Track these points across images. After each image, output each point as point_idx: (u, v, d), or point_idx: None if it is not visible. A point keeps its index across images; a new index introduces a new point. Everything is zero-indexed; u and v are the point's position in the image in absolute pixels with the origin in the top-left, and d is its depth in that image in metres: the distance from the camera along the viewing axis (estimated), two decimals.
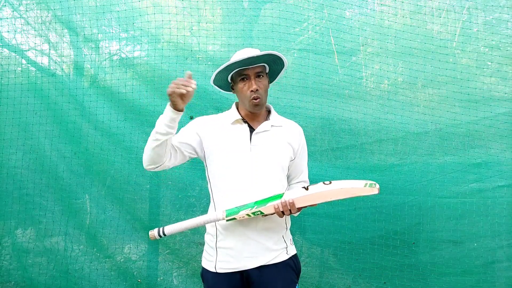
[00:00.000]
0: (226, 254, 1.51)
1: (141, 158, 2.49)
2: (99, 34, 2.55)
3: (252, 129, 1.55)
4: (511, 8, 2.23)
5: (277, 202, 1.42)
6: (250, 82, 1.52)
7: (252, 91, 1.50)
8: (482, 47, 2.28)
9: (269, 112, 1.64)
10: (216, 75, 1.55)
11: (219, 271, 1.52)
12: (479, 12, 2.23)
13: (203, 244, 1.63)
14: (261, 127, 1.55)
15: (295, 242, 1.68)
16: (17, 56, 2.56)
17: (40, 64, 2.57)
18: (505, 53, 2.23)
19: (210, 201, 1.62)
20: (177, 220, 2.45)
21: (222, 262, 1.52)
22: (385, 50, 2.32)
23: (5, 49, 2.57)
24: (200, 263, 1.62)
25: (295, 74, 2.38)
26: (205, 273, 1.57)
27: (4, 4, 2.57)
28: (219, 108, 2.34)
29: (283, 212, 1.42)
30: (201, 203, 2.45)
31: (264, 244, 1.50)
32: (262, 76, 1.55)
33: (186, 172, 2.46)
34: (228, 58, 1.58)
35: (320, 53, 2.37)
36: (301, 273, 1.63)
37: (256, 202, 1.43)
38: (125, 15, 2.43)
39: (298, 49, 2.43)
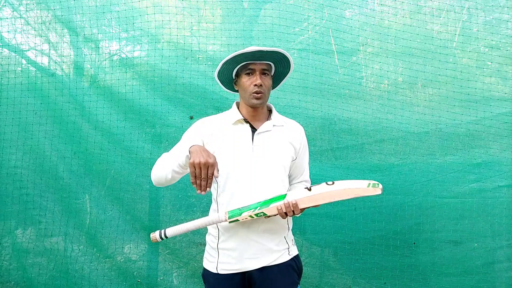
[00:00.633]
0: (227, 255, 1.51)
1: (141, 158, 2.49)
2: (99, 34, 2.54)
3: (253, 129, 1.55)
4: (511, 8, 2.23)
5: (280, 203, 1.41)
6: (255, 76, 1.52)
7: (256, 85, 1.50)
8: (482, 47, 2.29)
9: (270, 111, 1.64)
10: (222, 67, 1.54)
11: (220, 272, 1.51)
12: (479, 12, 2.23)
13: (203, 244, 1.62)
14: (263, 127, 1.55)
15: (295, 242, 1.68)
16: (17, 56, 2.56)
17: (40, 64, 2.57)
18: (505, 53, 2.23)
19: (211, 202, 1.61)
20: (177, 221, 2.46)
21: (223, 263, 1.51)
22: (385, 50, 2.32)
23: (5, 49, 2.57)
24: (200, 263, 1.62)
25: (295, 74, 2.37)
26: (206, 274, 1.57)
27: (4, 4, 2.56)
28: (219, 108, 2.34)
29: (286, 213, 1.42)
30: (201, 203, 2.45)
31: (266, 245, 1.50)
32: (267, 74, 1.55)
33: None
34: None
35: (320, 53, 2.37)
36: (302, 274, 1.63)
37: (259, 203, 1.43)
38: (125, 15, 2.43)
39: (298, 49, 2.43)
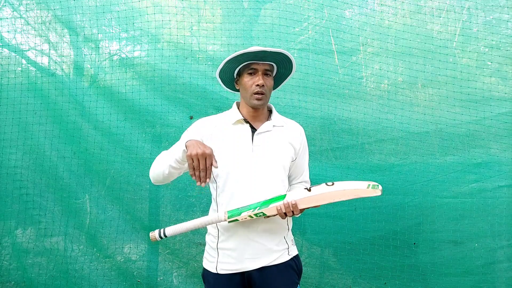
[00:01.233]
0: (227, 255, 1.51)
1: (141, 158, 2.48)
2: (99, 34, 2.54)
3: (253, 129, 1.55)
4: (511, 8, 2.23)
5: (279, 203, 1.41)
6: (257, 77, 1.52)
7: (258, 85, 1.50)
8: (482, 47, 2.29)
9: (270, 112, 1.64)
10: (224, 65, 1.54)
11: (220, 272, 1.51)
12: (479, 12, 2.23)
13: (203, 244, 1.62)
14: (263, 127, 1.55)
15: (296, 243, 1.68)
16: (17, 56, 2.56)
17: (40, 64, 2.57)
18: (505, 53, 2.23)
19: (211, 202, 1.61)
20: (177, 220, 2.46)
21: (223, 263, 1.51)
22: (385, 50, 2.32)
23: (5, 49, 2.57)
24: (200, 263, 1.62)
25: (295, 74, 2.35)
26: (206, 274, 1.57)
27: (4, 4, 2.56)
28: (219, 108, 2.34)
29: (285, 214, 1.42)
30: (201, 203, 2.45)
31: (265, 245, 1.50)
32: (269, 75, 1.56)
33: (186, 172, 2.45)
34: None
35: (320, 53, 2.37)
36: (302, 274, 1.63)
37: (258, 203, 1.43)
38: (125, 15, 2.43)
39: (298, 49, 2.43)
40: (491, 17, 2.25)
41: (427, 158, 2.30)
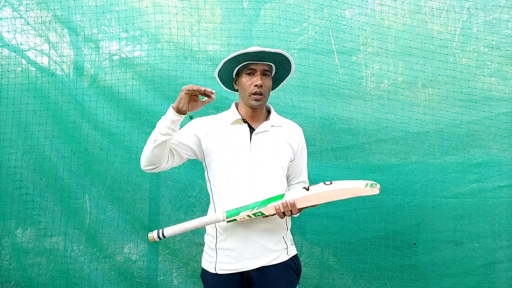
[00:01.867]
0: (226, 255, 1.51)
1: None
2: (99, 34, 2.55)
3: (252, 129, 1.55)
4: (511, 8, 2.23)
5: (278, 203, 1.41)
6: (256, 77, 1.52)
7: (256, 85, 1.50)
8: (482, 47, 2.29)
9: (269, 112, 1.64)
10: (223, 65, 1.54)
11: (219, 272, 1.51)
12: (479, 12, 2.23)
13: (203, 244, 1.62)
14: (261, 127, 1.55)
15: (295, 243, 1.68)
16: (17, 56, 2.56)
17: (40, 64, 2.57)
18: (505, 53, 2.23)
19: (209, 202, 1.61)
20: (177, 220, 2.46)
21: (222, 263, 1.51)
22: (385, 50, 2.32)
23: (5, 49, 2.57)
24: (200, 263, 1.62)
25: (295, 74, 2.35)
26: (205, 274, 1.56)
27: (4, 4, 2.57)
28: (219, 108, 2.34)
29: (284, 213, 1.42)
30: (201, 203, 2.45)
31: (264, 245, 1.50)
32: (268, 75, 1.56)
33: (186, 172, 2.46)
34: None
35: (320, 53, 2.37)
36: (301, 274, 1.63)
37: (257, 203, 1.43)
38: (125, 15, 2.43)
39: (298, 49, 2.43)
40: (491, 17, 2.25)
41: (427, 158, 2.30)
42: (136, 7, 2.42)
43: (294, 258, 1.57)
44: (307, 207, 1.44)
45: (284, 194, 1.44)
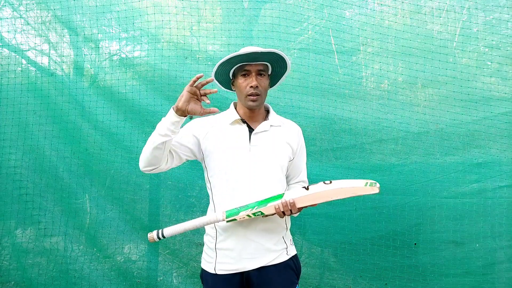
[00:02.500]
0: (225, 255, 1.50)
1: None
2: (99, 34, 2.55)
3: (251, 129, 1.55)
4: (511, 8, 2.23)
5: (277, 202, 1.41)
6: (250, 78, 1.51)
7: (251, 86, 1.50)
8: (482, 47, 2.28)
9: (267, 112, 1.64)
10: (218, 68, 1.54)
11: (218, 272, 1.51)
12: (479, 12, 2.23)
13: (202, 244, 1.62)
14: (260, 127, 1.55)
15: (295, 243, 1.68)
16: (17, 56, 2.56)
17: (40, 64, 2.57)
18: (505, 53, 2.23)
19: (209, 202, 1.61)
20: (177, 221, 2.46)
21: (221, 264, 1.51)
22: (385, 50, 2.32)
23: (5, 49, 2.57)
24: (200, 263, 1.62)
25: (295, 74, 2.38)
26: (204, 275, 1.56)
27: (4, 4, 2.57)
28: (219, 108, 2.32)
29: (283, 213, 1.42)
30: (201, 203, 2.45)
31: (264, 245, 1.50)
32: (264, 75, 1.54)
33: (186, 172, 2.46)
34: None
35: (320, 53, 2.37)
36: (301, 274, 1.62)
37: (256, 203, 1.42)
38: (125, 15, 2.43)
39: (298, 49, 2.43)
40: (491, 17, 2.25)
41: (427, 158, 2.30)
42: (136, 7, 2.42)
43: (294, 258, 1.57)
44: (307, 206, 1.44)
45: (283, 194, 1.43)
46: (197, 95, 1.40)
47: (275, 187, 1.51)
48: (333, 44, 2.37)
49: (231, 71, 1.57)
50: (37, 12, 2.51)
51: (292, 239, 1.62)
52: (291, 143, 1.58)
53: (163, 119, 1.42)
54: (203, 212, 1.77)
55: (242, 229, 1.49)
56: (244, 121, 1.56)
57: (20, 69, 2.56)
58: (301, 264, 1.64)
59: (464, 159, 2.27)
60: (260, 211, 1.41)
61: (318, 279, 2.43)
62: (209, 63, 2.46)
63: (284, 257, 1.53)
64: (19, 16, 2.53)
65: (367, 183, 1.41)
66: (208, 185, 1.58)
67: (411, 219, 2.31)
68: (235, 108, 1.60)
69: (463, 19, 2.26)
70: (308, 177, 1.71)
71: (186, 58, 2.44)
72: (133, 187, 2.49)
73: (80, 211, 2.52)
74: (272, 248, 1.51)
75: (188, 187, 2.47)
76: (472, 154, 2.26)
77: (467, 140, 2.26)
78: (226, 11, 2.40)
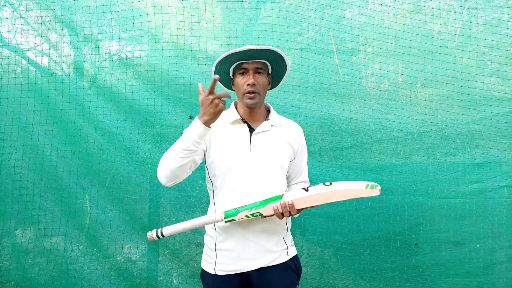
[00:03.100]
0: (225, 256, 1.50)
1: (141, 158, 2.48)
2: (99, 34, 2.55)
3: (251, 129, 1.54)
4: (511, 8, 2.23)
5: (276, 203, 1.41)
6: (248, 76, 1.51)
7: (248, 84, 1.49)
8: (482, 47, 2.28)
9: (268, 111, 1.63)
10: (216, 67, 1.53)
11: (218, 273, 1.50)
12: (479, 12, 2.23)
13: (202, 244, 1.62)
14: (261, 127, 1.54)
15: (295, 243, 1.68)
16: (17, 56, 2.56)
17: (40, 64, 2.57)
18: (505, 53, 2.23)
19: (209, 202, 1.61)
20: (177, 221, 2.45)
21: (221, 264, 1.51)
22: (385, 50, 2.32)
23: (5, 49, 2.57)
24: (200, 263, 1.61)
25: (295, 74, 2.38)
26: (204, 275, 1.56)
27: (4, 4, 2.57)
28: None
29: (282, 214, 1.41)
30: (201, 203, 2.45)
31: (264, 246, 1.49)
32: (262, 73, 1.54)
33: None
34: None
35: (320, 53, 2.37)
36: (301, 274, 1.62)
37: (255, 204, 1.42)
38: (125, 15, 2.43)
39: (298, 49, 2.43)
40: (491, 17, 2.25)
41: (427, 158, 2.30)
42: (136, 7, 2.42)
43: (294, 259, 1.57)
44: (307, 208, 1.43)
45: (283, 195, 1.43)
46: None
47: (275, 187, 1.51)
48: (333, 44, 2.37)
49: (231, 70, 1.57)
50: (37, 12, 2.50)
51: (292, 240, 1.62)
52: (292, 143, 1.58)
53: (186, 132, 1.40)
54: (203, 212, 1.77)
55: (241, 229, 1.49)
56: (244, 121, 1.56)
57: (20, 69, 2.56)
58: (301, 264, 1.63)
59: (464, 159, 2.27)
60: (258, 212, 1.41)
61: (318, 280, 2.43)
62: (209, 63, 2.46)
63: (284, 258, 1.53)
64: (19, 16, 2.53)
65: (368, 185, 1.40)
66: (209, 185, 1.58)
67: (411, 219, 2.31)
68: (236, 108, 1.60)
69: (463, 19, 2.26)
70: (308, 177, 1.71)
71: (186, 58, 2.44)
72: (133, 187, 2.49)
73: (80, 211, 2.52)
74: (272, 249, 1.51)
75: (188, 187, 2.47)
76: (472, 154, 2.26)
77: (467, 140, 2.26)
78: (226, 11, 2.40)
